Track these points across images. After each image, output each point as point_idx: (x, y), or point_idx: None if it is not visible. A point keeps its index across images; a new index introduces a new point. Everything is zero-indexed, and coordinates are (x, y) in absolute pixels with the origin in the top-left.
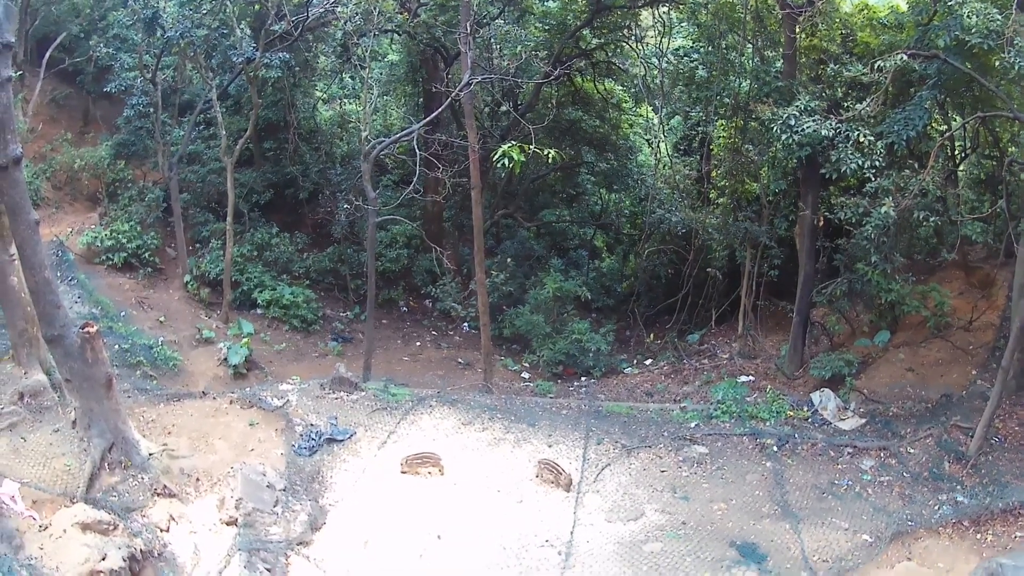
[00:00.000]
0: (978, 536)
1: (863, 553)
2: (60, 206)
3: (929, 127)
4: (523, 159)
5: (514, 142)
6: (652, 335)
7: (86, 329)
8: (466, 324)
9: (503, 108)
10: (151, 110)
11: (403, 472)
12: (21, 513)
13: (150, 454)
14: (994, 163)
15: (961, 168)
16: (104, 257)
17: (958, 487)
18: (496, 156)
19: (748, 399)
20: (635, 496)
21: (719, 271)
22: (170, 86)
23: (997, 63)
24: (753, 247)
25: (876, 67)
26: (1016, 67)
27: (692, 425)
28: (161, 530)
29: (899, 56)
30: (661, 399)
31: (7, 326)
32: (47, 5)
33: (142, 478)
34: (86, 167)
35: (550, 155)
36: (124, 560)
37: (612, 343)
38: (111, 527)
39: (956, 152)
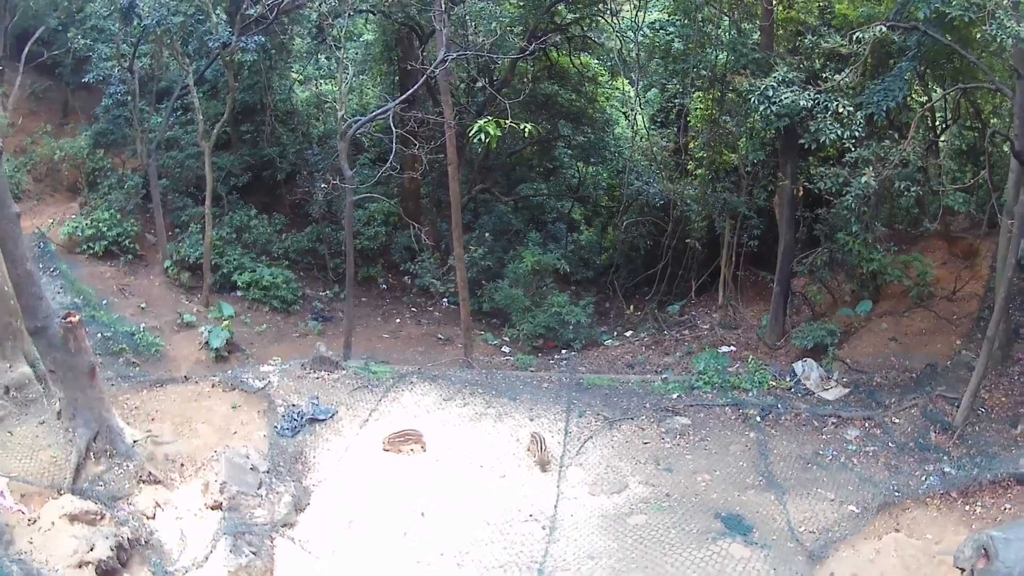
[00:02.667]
0: (966, 507)
1: (850, 524)
2: (41, 198)
3: (909, 98)
4: (499, 134)
5: (490, 117)
6: (632, 307)
7: (68, 319)
8: (445, 300)
9: (479, 84)
10: (129, 98)
11: (385, 450)
12: (10, 508)
13: (134, 441)
14: (976, 134)
15: (942, 139)
16: (85, 246)
17: (945, 457)
18: (472, 132)
19: (730, 369)
20: (618, 469)
21: (698, 242)
22: (147, 74)
23: (978, 35)
24: (732, 218)
25: (855, 39)
26: (998, 39)
27: (674, 396)
28: (147, 517)
29: (878, 27)
30: (642, 371)
31: None
32: (25, 0)
33: (127, 466)
34: (66, 158)
35: (526, 129)
36: (112, 550)
37: (592, 315)
38: (98, 517)
39: (937, 123)
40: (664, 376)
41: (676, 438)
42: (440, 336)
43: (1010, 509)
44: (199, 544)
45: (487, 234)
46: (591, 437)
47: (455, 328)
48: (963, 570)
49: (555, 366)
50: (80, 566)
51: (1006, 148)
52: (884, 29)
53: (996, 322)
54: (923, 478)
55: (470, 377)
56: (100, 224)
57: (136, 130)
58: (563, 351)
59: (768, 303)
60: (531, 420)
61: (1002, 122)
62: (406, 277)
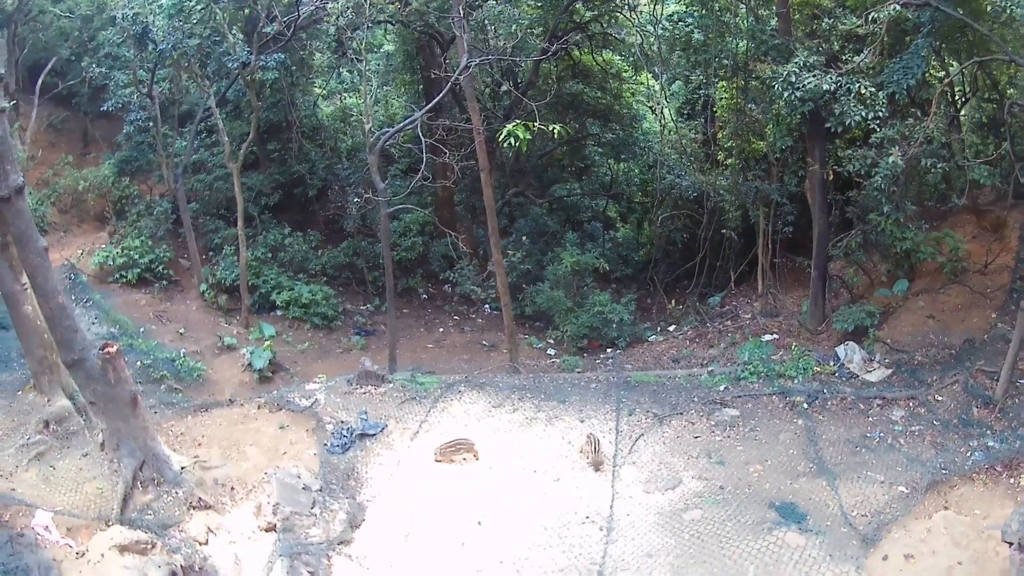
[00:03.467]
0: (1011, 480)
1: (900, 505)
2: (68, 229)
3: (928, 74)
4: (528, 137)
5: (518, 121)
6: (673, 301)
7: (106, 350)
8: (487, 306)
9: (504, 88)
10: (151, 124)
11: (438, 461)
12: (56, 542)
13: (182, 468)
14: (994, 106)
15: (963, 113)
16: (117, 275)
17: (988, 432)
18: (502, 136)
19: (774, 358)
20: (671, 465)
21: (734, 232)
22: (167, 98)
23: (988, 7)
24: (765, 205)
25: (870, 18)
26: (1008, 10)
27: (721, 388)
28: (200, 543)
29: (892, 6)
30: (688, 365)
31: (25, 355)
32: (34, 32)
33: (176, 493)
34: (91, 188)
35: (555, 130)
36: None
37: (634, 312)
38: (149, 546)
39: (956, 97)
40: (710, 369)
41: (726, 430)
42: (484, 343)
43: None
44: (255, 567)
45: (524, 237)
46: (642, 435)
47: (499, 334)
48: (1011, 543)
49: (601, 365)
50: None
51: None
52: (898, 7)
53: None
54: (968, 454)
55: (518, 382)
56: (131, 252)
57: (161, 155)
58: (608, 350)
59: (807, 288)
60: (581, 422)
61: (1019, 92)
62: (446, 286)
